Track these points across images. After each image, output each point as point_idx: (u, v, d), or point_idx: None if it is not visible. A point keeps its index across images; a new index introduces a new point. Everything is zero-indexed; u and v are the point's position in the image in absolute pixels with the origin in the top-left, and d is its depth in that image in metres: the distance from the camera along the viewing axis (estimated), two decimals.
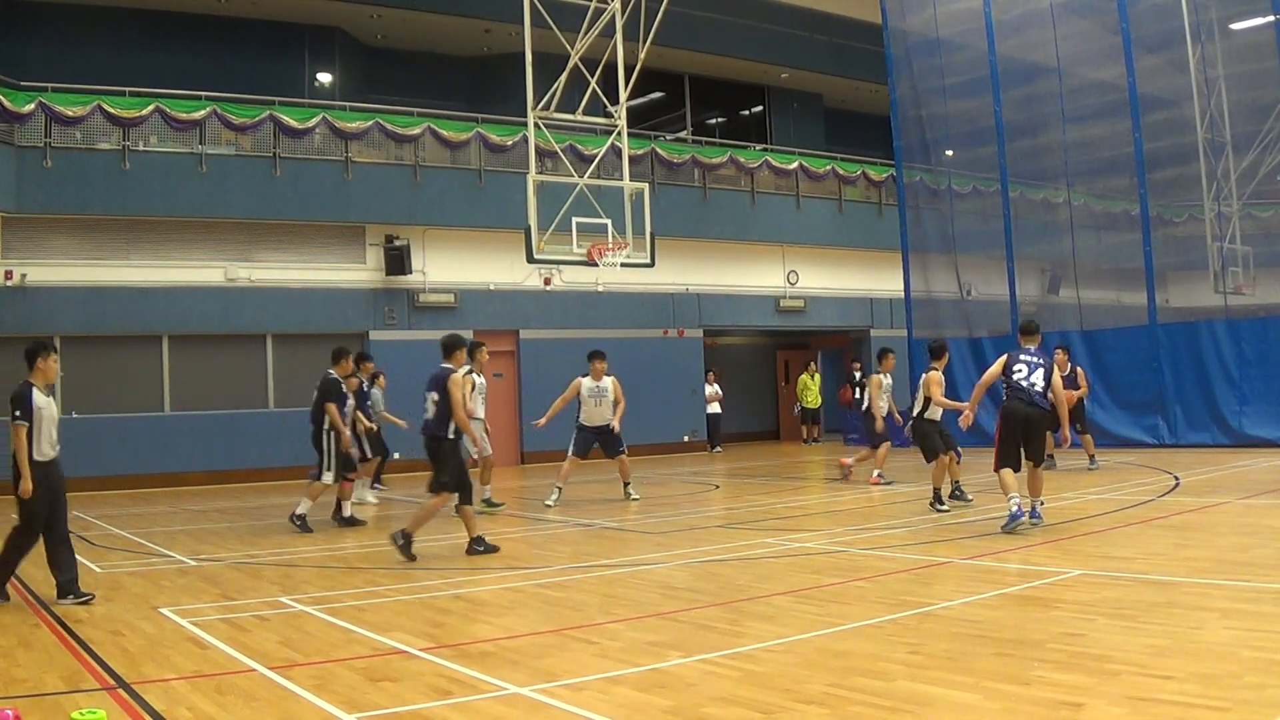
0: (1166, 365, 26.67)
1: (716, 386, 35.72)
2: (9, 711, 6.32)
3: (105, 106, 27.04)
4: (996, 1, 30.70)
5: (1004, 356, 14.69)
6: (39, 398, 11.06)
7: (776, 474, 23.73)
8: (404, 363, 28.86)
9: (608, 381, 20.63)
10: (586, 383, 20.61)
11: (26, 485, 10.76)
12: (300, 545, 15.83)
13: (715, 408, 35.54)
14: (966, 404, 15.54)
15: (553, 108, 24.70)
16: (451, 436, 14.44)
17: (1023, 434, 14.19)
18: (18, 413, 10.79)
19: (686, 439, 34.95)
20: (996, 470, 14.26)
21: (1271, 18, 25.98)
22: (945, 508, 16.45)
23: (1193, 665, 7.25)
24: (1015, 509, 13.63)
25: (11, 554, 11.28)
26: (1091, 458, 22.60)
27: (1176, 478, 19.62)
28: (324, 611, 10.40)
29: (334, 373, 18.25)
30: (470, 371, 18.79)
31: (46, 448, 11.06)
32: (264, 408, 29.09)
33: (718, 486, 23.33)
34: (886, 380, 21.53)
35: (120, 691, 7.62)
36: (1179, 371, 26.41)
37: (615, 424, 20.31)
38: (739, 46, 38.23)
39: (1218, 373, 25.78)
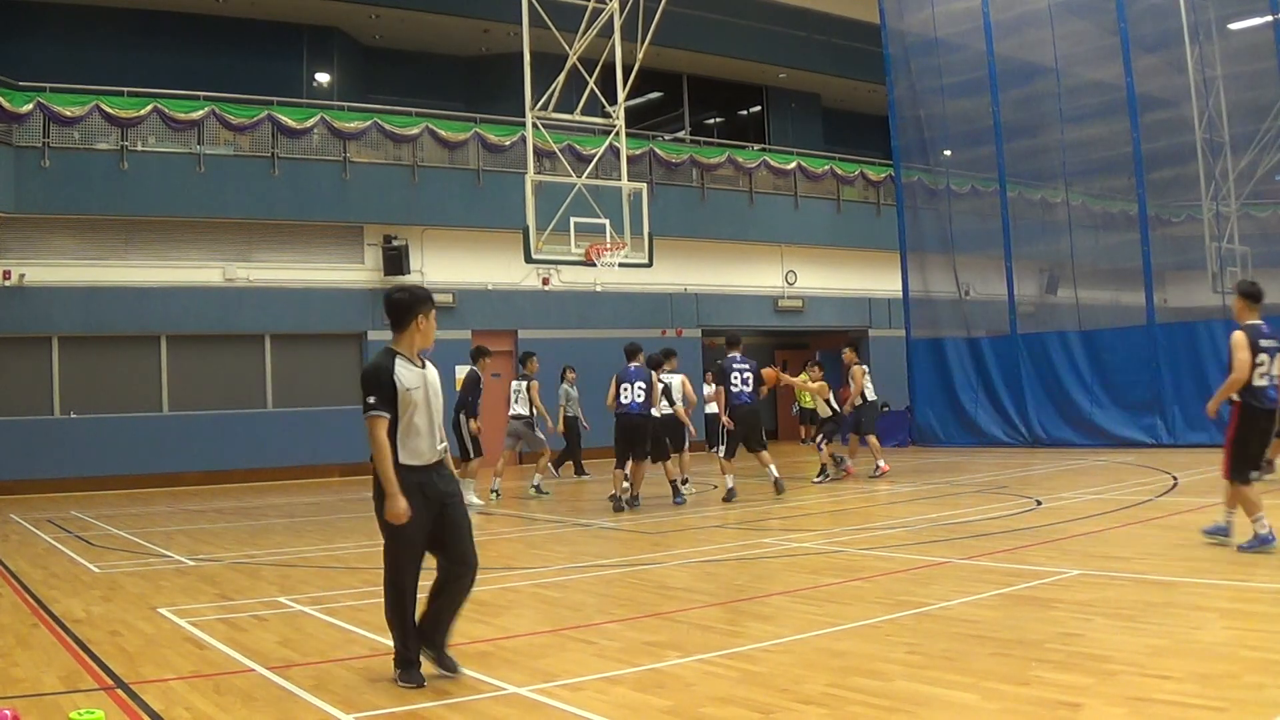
0: (1165, 365, 26.65)
1: (716, 386, 35.69)
2: (7, 711, 6.31)
3: (103, 106, 27.06)
4: (995, 1, 30.71)
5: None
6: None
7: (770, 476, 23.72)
8: None
9: (676, 379, 22.28)
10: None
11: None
12: (298, 545, 15.86)
13: (714, 408, 35.51)
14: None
15: (551, 108, 24.71)
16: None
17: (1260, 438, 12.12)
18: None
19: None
20: (1231, 479, 11.91)
21: (1270, 18, 25.99)
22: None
23: (1191, 665, 7.26)
24: (1266, 531, 11.46)
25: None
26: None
27: (1175, 478, 19.64)
28: (322, 611, 10.42)
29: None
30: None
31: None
32: (262, 408, 29.12)
33: (715, 486, 23.31)
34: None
35: (119, 691, 7.63)
36: (1177, 371, 26.38)
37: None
38: (737, 46, 38.28)
39: (1216, 373, 25.70)
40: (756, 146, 38.79)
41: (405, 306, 7.88)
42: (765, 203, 37.18)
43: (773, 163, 37.54)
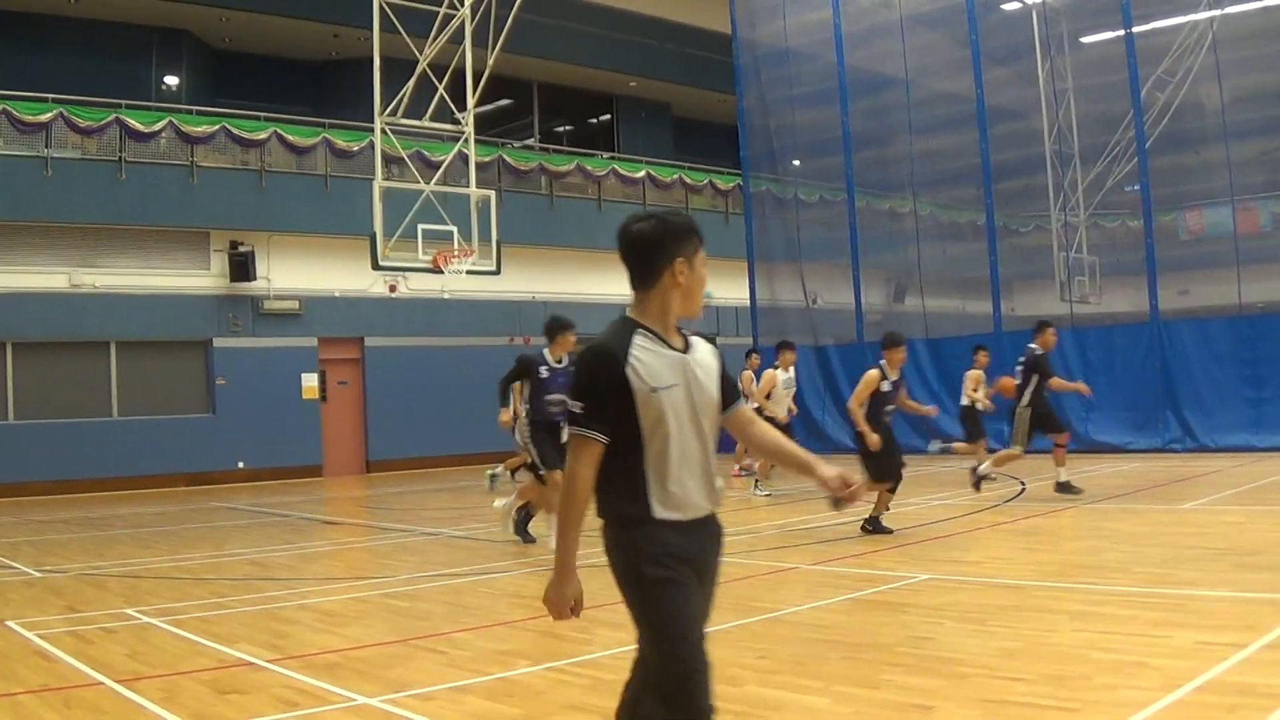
0: (1011, 373, 27.09)
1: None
2: None
3: None
4: (846, 13, 31.08)
5: None
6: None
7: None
8: (247, 370, 28.64)
9: (792, 373, 21.53)
10: (781, 375, 20.95)
11: None
12: (145, 556, 15.64)
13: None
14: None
15: (400, 113, 24.64)
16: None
17: None
18: None
19: None
20: None
21: (1122, 32, 26.58)
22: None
23: (1043, 667, 7.43)
24: None
25: None
26: None
27: (1023, 483, 20.00)
28: (170, 623, 10.30)
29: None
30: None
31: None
32: (108, 416, 28.58)
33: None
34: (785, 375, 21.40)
35: None
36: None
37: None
38: (588, 55, 38.37)
39: (1062, 379, 26.29)
40: (605, 155, 38.90)
41: (652, 244, 4.78)
42: (614, 210, 37.24)
43: (622, 171, 37.70)
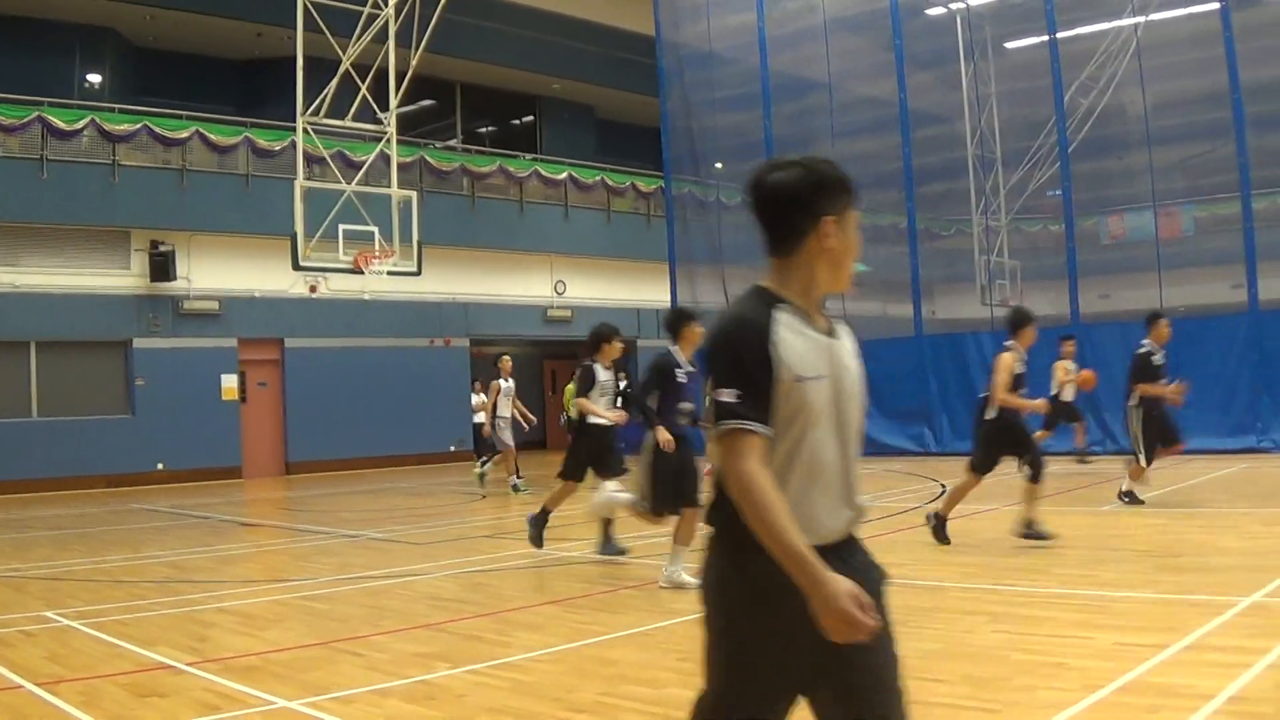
0: (933, 375, 27.31)
1: (484, 396, 35.65)
2: None
3: None
4: (770, 16, 31.20)
5: None
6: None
7: (544, 483, 23.79)
8: (167, 371, 28.44)
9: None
10: None
11: None
12: (64, 558, 15.51)
13: (482, 417, 35.47)
14: None
15: (322, 113, 24.57)
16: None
17: None
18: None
19: (453, 448, 34.79)
20: None
21: (1046, 37, 26.88)
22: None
23: (963, 668, 7.52)
24: None
25: None
26: None
27: (944, 485, 20.12)
28: (89, 626, 10.24)
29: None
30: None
31: None
32: (28, 416, 28.25)
33: (484, 496, 23.37)
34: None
35: None
36: (945, 381, 27.03)
37: None
38: (511, 56, 38.28)
39: (983, 383, 26.45)
40: (528, 156, 38.86)
41: (793, 198, 3.87)
42: (536, 212, 37.30)
43: (544, 173, 37.71)
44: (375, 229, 24.90)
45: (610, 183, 39.31)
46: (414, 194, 26.08)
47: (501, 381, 23.65)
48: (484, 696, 7.44)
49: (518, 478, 23.50)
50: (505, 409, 23.80)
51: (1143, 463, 15.89)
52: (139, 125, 29.44)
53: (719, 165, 33.98)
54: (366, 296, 32.06)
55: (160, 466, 25.53)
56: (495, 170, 36.63)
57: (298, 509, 22.35)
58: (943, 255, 31.22)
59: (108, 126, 28.96)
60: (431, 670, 8.20)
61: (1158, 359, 15.75)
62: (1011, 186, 29.47)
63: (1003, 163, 29.59)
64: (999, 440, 13.31)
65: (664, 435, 11.45)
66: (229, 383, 30.43)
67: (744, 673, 3.81)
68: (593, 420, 13.39)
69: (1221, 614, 8.70)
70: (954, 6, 29.50)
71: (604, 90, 41.64)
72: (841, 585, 3.45)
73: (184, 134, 30.06)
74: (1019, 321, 13.63)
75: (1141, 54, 27.19)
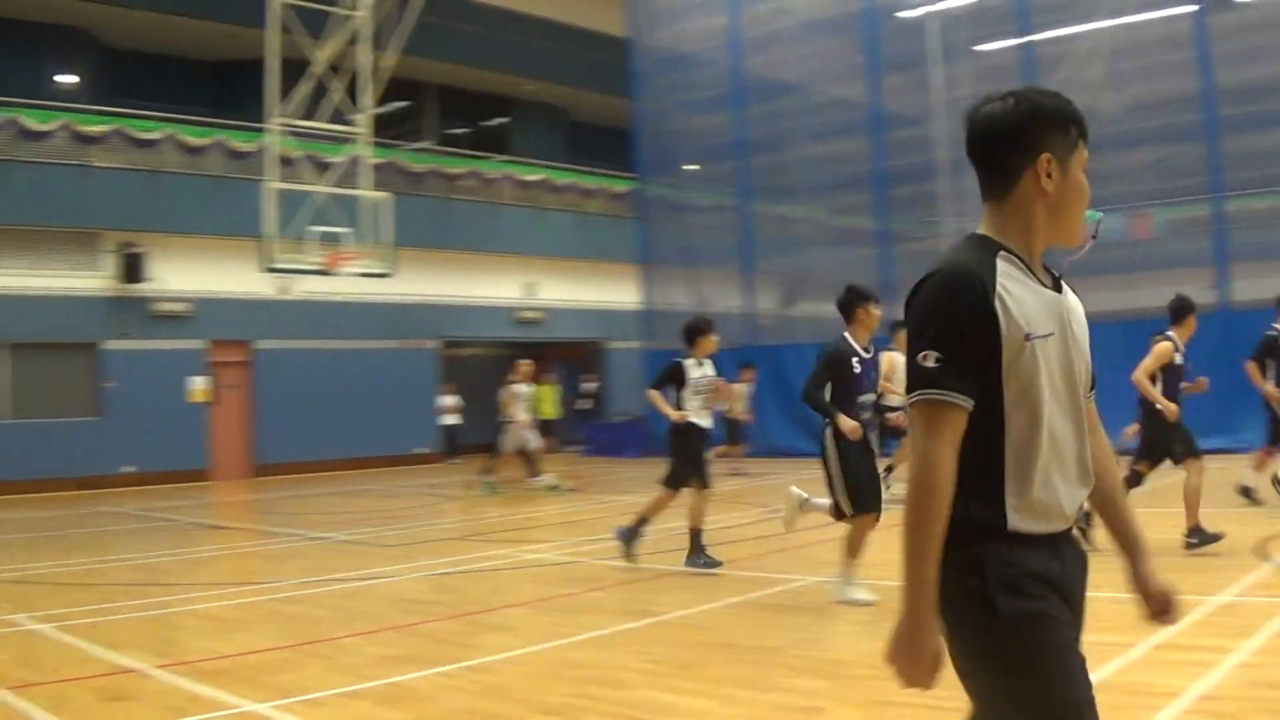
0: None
1: (456, 398, 35.65)
2: None
3: None
4: (745, 18, 31.23)
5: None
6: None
7: (513, 485, 23.85)
8: (136, 373, 28.34)
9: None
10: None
11: None
12: (35, 561, 15.45)
13: (453, 419, 35.47)
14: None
15: (295, 114, 24.52)
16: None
17: None
18: None
19: (428, 450, 34.76)
20: None
21: (1018, 40, 26.99)
22: None
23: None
24: None
25: None
26: None
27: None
28: (58, 629, 10.24)
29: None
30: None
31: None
32: (1, 419, 28.10)
33: (454, 498, 23.38)
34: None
35: None
36: None
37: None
38: (485, 58, 38.19)
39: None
40: (501, 158, 38.83)
41: (1007, 132, 3.37)
42: (508, 214, 37.23)
43: (517, 174, 37.69)
44: (347, 230, 24.90)
45: (583, 185, 39.29)
46: (387, 195, 26.08)
47: (521, 386, 23.39)
48: (452, 699, 7.49)
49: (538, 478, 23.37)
50: (522, 413, 23.43)
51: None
52: (112, 127, 29.30)
53: (692, 167, 34.02)
54: (338, 298, 32.08)
55: (129, 469, 25.40)
56: (468, 172, 36.59)
57: (267, 511, 22.35)
58: (914, 257, 31.18)
59: (80, 128, 28.79)
60: (400, 672, 8.23)
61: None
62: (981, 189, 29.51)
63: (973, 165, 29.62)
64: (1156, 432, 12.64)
65: (848, 423, 10.32)
66: (198, 384, 30.34)
67: (1056, 645, 3.23)
68: (692, 420, 12.52)
69: (1191, 613, 8.79)
70: (927, 9, 29.54)
71: (576, 92, 41.56)
72: (928, 640, 3.27)
73: (157, 135, 29.91)
74: (1185, 311, 12.85)
75: (1114, 57, 27.30)
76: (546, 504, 20.96)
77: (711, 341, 12.81)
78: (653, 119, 33.69)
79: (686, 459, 12.53)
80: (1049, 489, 3.21)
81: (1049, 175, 3.28)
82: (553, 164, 39.41)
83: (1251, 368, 13.94)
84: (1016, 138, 3.32)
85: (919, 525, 3.16)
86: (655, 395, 12.70)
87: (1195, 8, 25.55)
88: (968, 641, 3.35)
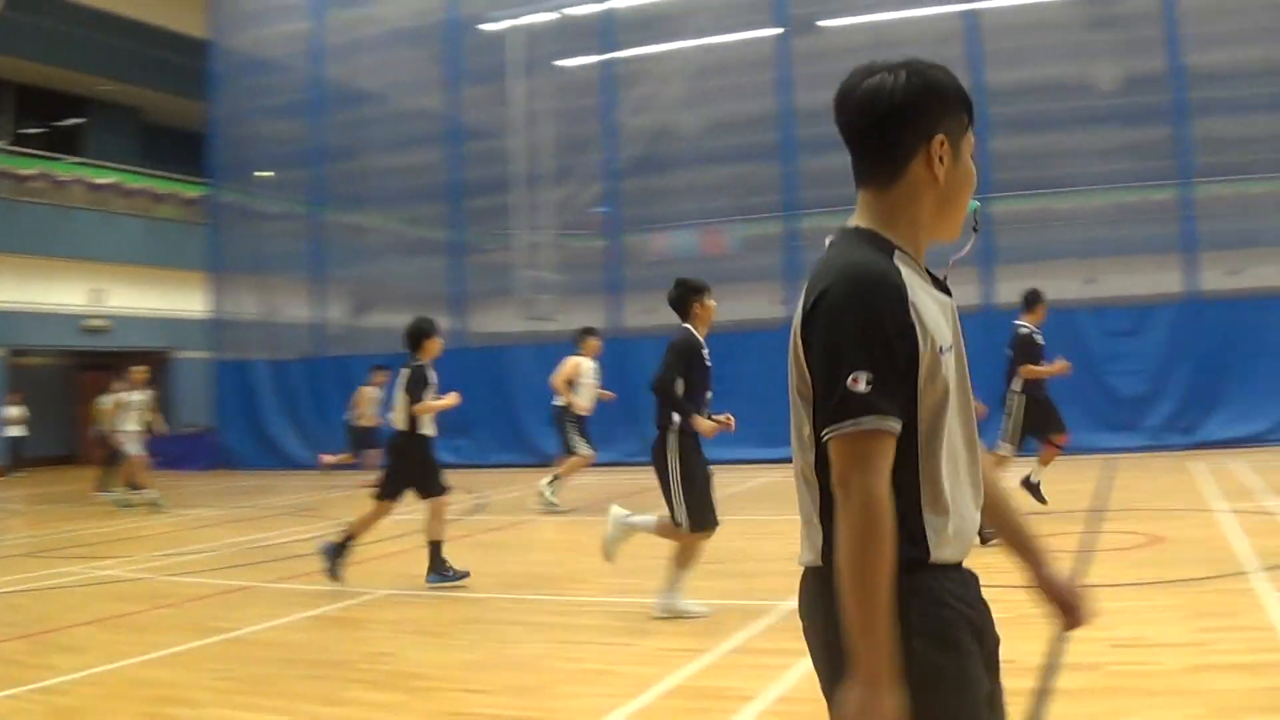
0: (475, 387, 27.38)
1: (22, 408, 34.27)
2: None
3: None
4: (328, 25, 30.97)
5: None
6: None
7: (81, 499, 23.07)
8: None
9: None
10: (586, 363, 18.52)
11: None
12: None
13: (18, 430, 34.10)
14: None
15: None
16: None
17: None
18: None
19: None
20: None
21: (600, 57, 27.51)
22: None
23: (506, 678, 7.69)
24: None
25: None
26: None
27: (484, 497, 20.33)
28: None
29: None
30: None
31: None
32: None
33: (19, 513, 22.47)
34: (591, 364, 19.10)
35: None
36: (487, 394, 27.14)
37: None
38: (62, 55, 36.80)
39: (523, 396, 26.78)
40: (72, 159, 37.46)
41: (897, 107, 2.89)
42: (78, 218, 35.92)
43: (89, 177, 36.41)
44: None
45: (156, 189, 38.29)
46: None
47: (134, 394, 22.09)
48: None
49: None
50: (132, 422, 22.16)
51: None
52: None
53: (268, 174, 33.53)
54: None
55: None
56: (39, 174, 35.18)
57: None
58: (486, 269, 31.47)
59: None
60: None
61: (1039, 339, 14.50)
62: (557, 202, 29.95)
63: (551, 179, 30.07)
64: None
65: (708, 424, 9.71)
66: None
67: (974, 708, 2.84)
68: (422, 431, 11.97)
69: (764, 617, 9.12)
70: (510, 23, 29.83)
71: (153, 93, 40.44)
72: (892, 698, 2.60)
73: None
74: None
75: (694, 76, 28.11)
76: (116, 519, 20.30)
77: (439, 344, 12.30)
78: (228, 123, 33.09)
79: (423, 470, 12.03)
80: (962, 513, 2.88)
81: (940, 160, 2.89)
82: (125, 167, 38.23)
83: (1029, 370, 14.43)
84: (909, 115, 2.89)
85: (869, 577, 2.63)
86: (428, 406, 11.94)
87: (779, 31, 26.49)
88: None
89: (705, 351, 9.75)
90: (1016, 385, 14.16)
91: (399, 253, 31.66)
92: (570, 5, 29.38)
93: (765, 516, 16.52)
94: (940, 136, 2.87)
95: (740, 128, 28.58)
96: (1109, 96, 26.29)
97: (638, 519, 10.25)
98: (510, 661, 8.18)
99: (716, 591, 10.39)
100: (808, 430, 2.88)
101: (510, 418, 27.19)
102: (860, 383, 2.65)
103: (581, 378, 17.97)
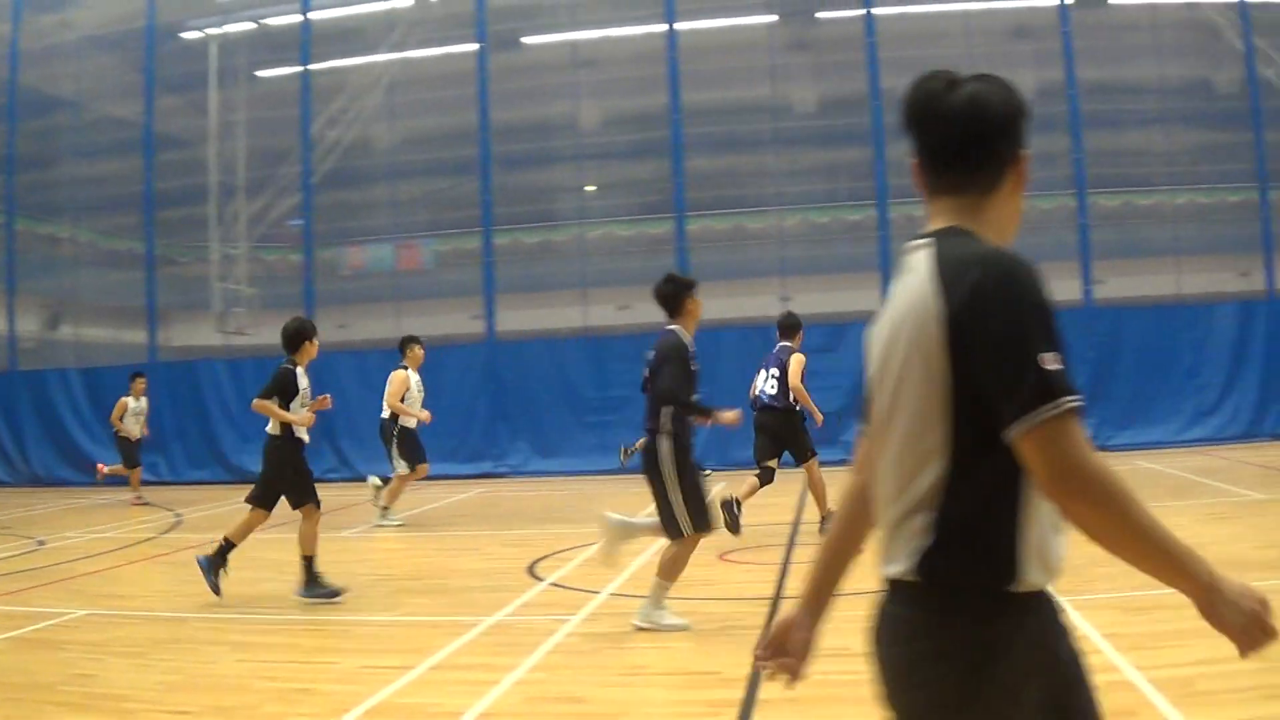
0: (166, 403, 26.75)
1: None
2: None
3: None
4: (24, 30, 29.90)
5: None
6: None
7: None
8: None
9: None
10: (414, 377, 17.49)
11: None
12: None
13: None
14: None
15: None
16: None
17: None
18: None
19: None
20: None
21: (298, 68, 27.28)
22: None
23: (207, 699, 7.65)
24: None
25: None
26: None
27: (179, 514, 19.94)
28: None
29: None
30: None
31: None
32: None
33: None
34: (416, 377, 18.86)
35: None
36: (179, 409, 26.56)
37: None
38: None
39: (218, 411, 26.35)
40: None
41: (1000, 120, 2.81)
42: None
43: None
44: None
45: None
46: None
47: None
48: None
49: None
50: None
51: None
52: None
53: None
54: None
55: None
56: None
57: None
58: (180, 282, 30.88)
59: None
60: None
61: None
62: (253, 214, 29.52)
63: (245, 190, 29.62)
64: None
65: (730, 414, 9.70)
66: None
67: None
68: (298, 434, 11.57)
69: (465, 634, 9.27)
70: (209, 31, 29.35)
71: None
72: (1233, 583, 2.48)
73: None
74: (794, 325, 14.96)
75: (392, 90, 28.09)
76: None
77: (315, 347, 11.88)
78: None
79: (293, 476, 11.61)
80: (1059, 533, 2.66)
81: (1024, 174, 2.87)
82: None
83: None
84: (1009, 128, 2.83)
85: (1150, 526, 2.44)
86: (267, 405, 11.55)
87: (478, 46, 26.64)
88: None
89: (692, 353, 9.53)
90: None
91: (94, 264, 30.80)
92: (269, 15, 29.07)
93: (465, 532, 16.65)
94: (1024, 152, 2.84)
95: (438, 142, 28.68)
96: (806, 118, 27.05)
97: (638, 520, 10.26)
98: (213, 682, 8.10)
99: (419, 608, 10.48)
100: (939, 435, 2.63)
101: (206, 434, 26.63)
102: (1053, 361, 2.47)
103: (410, 391, 17.35)
